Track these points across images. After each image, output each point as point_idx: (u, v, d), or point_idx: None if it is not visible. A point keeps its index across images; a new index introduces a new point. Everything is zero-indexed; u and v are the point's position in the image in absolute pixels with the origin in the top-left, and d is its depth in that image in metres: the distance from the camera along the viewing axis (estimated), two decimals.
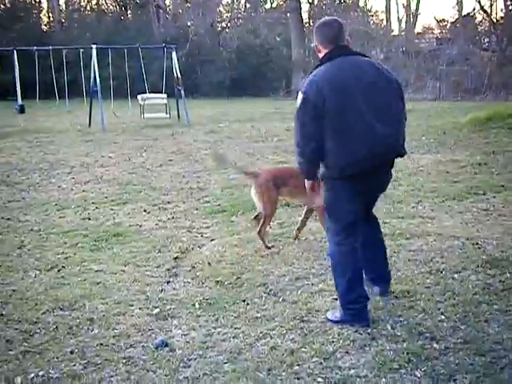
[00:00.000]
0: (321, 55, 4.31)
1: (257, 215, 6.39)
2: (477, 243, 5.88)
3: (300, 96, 4.17)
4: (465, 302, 4.52)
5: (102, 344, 4.11)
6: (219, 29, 38.13)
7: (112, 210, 8.05)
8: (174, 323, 4.43)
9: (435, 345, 3.92)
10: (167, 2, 39.95)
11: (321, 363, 3.76)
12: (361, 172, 4.10)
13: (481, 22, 38.01)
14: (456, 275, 5.09)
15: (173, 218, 7.57)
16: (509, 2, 35.71)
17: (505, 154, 10.87)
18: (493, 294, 4.66)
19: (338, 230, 4.32)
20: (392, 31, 40.77)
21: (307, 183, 4.36)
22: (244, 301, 4.76)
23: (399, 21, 45.32)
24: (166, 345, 4.05)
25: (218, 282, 5.20)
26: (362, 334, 4.10)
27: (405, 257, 5.59)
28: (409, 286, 4.87)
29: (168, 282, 5.28)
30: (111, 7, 41.05)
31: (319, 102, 4.03)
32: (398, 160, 4.44)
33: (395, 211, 7.26)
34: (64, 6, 41.13)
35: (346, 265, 4.27)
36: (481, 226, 6.54)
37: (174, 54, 19.33)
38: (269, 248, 6.07)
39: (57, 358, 3.94)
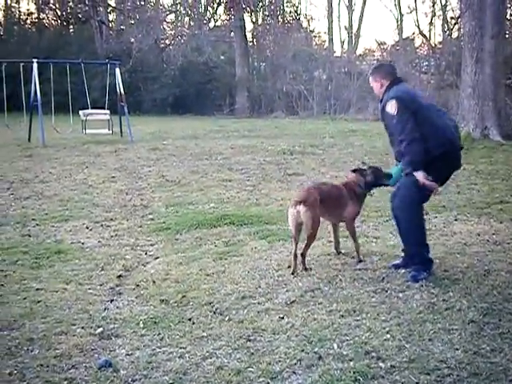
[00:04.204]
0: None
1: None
2: None
3: None
4: (410, 321, 4.55)
5: (42, 365, 3.98)
6: (163, 46, 37.98)
7: (53, 226, 7.87)
8: (118, 343, 4.33)
9: (381, 364, 3.92)
10: (110, 18, 39.64)
11: (268, 383, 3.72)
12: None
13: (420, 46, 38.97)
14: (401, 294, 5.13)
15: (116, 235, 7.45)
16: (446, 28, 36.77)
17: None
18: (437, 312, 4.71)
19: None
20: (334, 52, 41.30)
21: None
22: (189, 320, 4.70)
23: (341, 42, 46.13)
24: (110, 365, 3.95)
25: (162, 300, 5.12)
26: (308, 354, 4.08)
27: (350, 276, 5.62)
28: (355, 305, 4.89)
29: (111, 301, 5.17)
30: (52, 22, 40.45)
31: None
32: None
33: (340, 231, 7.30)
34: (2, 19, 40.34)
35: None
36: None
37: (117, 70, 19.15)
38: (306, 270, 5.85)
39: None
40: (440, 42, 37.47)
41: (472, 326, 4.43)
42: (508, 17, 29.52)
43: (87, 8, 37.30)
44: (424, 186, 5.44)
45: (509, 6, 29.93)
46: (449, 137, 5.58)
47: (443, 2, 39.78)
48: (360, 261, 6.10)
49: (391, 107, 5.52)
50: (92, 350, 4.22)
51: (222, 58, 37.59)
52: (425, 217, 7.87)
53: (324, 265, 6.01)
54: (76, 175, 11.79)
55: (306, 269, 5.86)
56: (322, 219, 6.11)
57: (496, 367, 3.82)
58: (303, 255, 5.92)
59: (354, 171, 6.34)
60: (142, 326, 4.60)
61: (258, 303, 5.02)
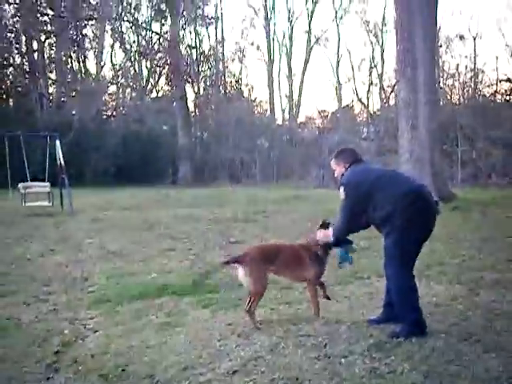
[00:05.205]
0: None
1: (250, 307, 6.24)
2: (364, 327, 5.97)
3: None
4: None
5: None
6: (105, 117, 38.10)
7: None
8: None
9: None
10: (50, 90, 39.62)
11: None
12: None
13: (359, 113, 40.11)
14: (343, 360, 5.09)
15: (54, 309, 7.24)
16: (384, 95, 37.94)
17: None
18: (379, 377, 4.69)
19: None
20: (276, 120, 42.09)
21: None
22: None
23: (282, 111, 47.10)
24: None
25: (101, 375, 4.98)
26: None
27: (293, 342, 5.56)
28: (297, 372, 4.83)
29: (48, 379, 5.00)
30: None
31: None
32: None
33: (283, 297, 7.29)
34: None
35: None
36: (366, 310, 6.66)
37: (57, 142, 19.05)
38: (258, 328, 6.01)
39: None
40: (378, 109, 38.68)
41: None
42: (441, 85, 30.77)
43: (27, 81, 37.28)
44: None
45: (441, 75, 31.28)
46: (407, 189, 5.77)
47: (379, 71, 41.36)
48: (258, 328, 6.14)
49: (341, 194, 5.93)
50: None
51: (165, 127, 37.88)
52: (367, 281, 8.07)
53: (266, 332, 5.94)
54: (14, 249, 11.52)
55: (257, 328, 6.03)
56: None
57: None
58: (248, 313, 6.13)
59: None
60: None
61: (200, 374, 4.92)
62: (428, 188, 6.20)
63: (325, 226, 6.37)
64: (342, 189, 5.93)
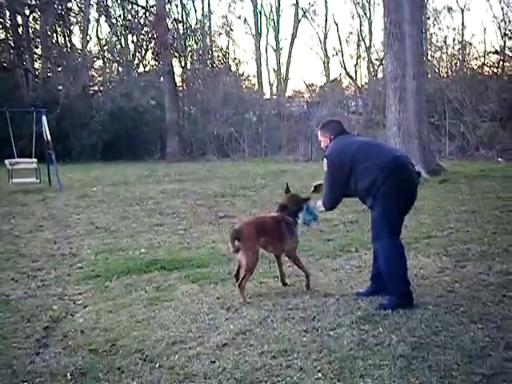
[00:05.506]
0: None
1: (237, 272, 6.34)
2: (352, 299, 6.03)
3: None
4: (341, 359, 4.55)
5: None
6: (91, 92, 37.76)
7: None
8: None
9: None
10: (36, 66, 39.19)
11: None
12: None
13: (347, 86, 40.00)
14: (332, 332, 5.13)
15: (43, 285, 7.25)
16: (372, 69, 37.85)
17: None
18: (367, 349, 4.73)
19: None
20: (264, 95, 41.89)
21: None
22: (119, 369, 4.59)
23: (270, 85, 46.90)
24: None
25: (91, 350, 5.00)
26: None
27: (282, 315, 5.61)
28: (286, 345, 4.87)
29: (38, 354, 5.01)
30: None
31: None
32: None
33: (271, 271, 7.31)
34: None
35: None
36: (354, 283, 6.70)
37: (43, 117, 18.88)
38: (247, 303, 6.07)
39: None
40: (366, 83, 38.58)
41: (401, 360, 4.47)
42: (429, 58, 30.69)
43: (12, 56, 36.86)
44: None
45: (428, 47, 31.19)
46: (386, 159, 5.78)
47: (367, 44, 41.21)
48: (308, 285, 6.47)
49: (324, 165, 6.06)
50: None
51: (152, 102, 37.54)
52: (355, 254, 8.11)
53: (256, 306, 5.98)
54: (1, 226, 11.49)
55: (246, 302, 6.08)
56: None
57: None
58: (240, 287, 6.16)
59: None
60: (69, 378, 4.48)
61: (189, 348, 4.95)
62: (409, 158, 6.21)
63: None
64: (324, 160, 6.03)
